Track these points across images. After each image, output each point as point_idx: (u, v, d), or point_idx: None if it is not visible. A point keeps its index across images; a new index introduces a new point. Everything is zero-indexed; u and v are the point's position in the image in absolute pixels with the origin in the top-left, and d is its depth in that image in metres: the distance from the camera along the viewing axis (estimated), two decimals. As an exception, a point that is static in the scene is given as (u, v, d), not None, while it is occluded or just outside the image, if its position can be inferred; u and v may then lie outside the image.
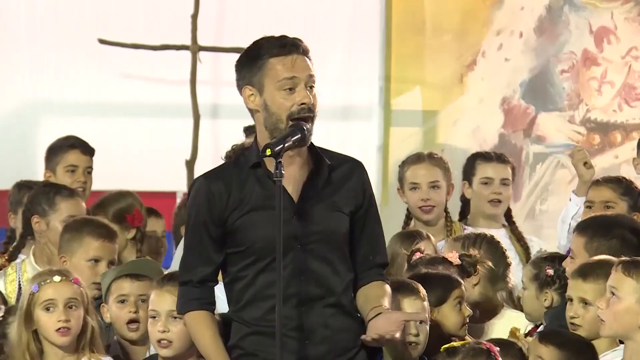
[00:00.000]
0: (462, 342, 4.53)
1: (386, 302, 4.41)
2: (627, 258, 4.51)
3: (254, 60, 4.40)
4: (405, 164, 6.57)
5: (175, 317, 4.63)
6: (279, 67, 4.35)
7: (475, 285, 5.42)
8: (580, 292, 4.66)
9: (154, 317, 4.69)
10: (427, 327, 4.65)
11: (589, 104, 8.45)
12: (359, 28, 8.76)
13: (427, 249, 5.49)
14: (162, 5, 8.97)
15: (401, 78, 8.71)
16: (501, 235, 6.08)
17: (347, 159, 4.55)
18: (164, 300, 4.67)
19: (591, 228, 5.05)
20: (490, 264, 5.48)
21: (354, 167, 4.55)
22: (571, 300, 4.71)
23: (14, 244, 6.11)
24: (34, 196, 6.04)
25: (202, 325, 4.42)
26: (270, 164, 4.24)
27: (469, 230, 6.33)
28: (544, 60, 8.56)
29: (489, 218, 6.37)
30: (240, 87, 4.42)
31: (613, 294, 4.34)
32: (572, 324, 4.68)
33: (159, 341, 4.68)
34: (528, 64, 8.59)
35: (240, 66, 4.43)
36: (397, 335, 4.25)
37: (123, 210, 6.32)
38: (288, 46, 4.37)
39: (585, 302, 4.63)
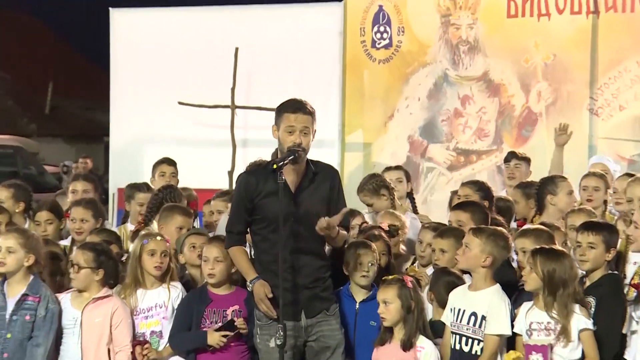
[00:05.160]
0: (393, 275, 4.46)
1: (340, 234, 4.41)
2: (477, 227, 4.49)
3: (279, 112, 4.37)
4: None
5: (219, 261, 4.62)
6: (285, 120, 4.31)
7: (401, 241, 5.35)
8: (440, 245, 4.71)
9: (205, 261, 4.65)
10: (375, 268, 4.56)
11: (458, 138, 8.34)
12: (328, 94, 8.56)
13: (359, 220, 5.37)
14: (214, 82, 8.86)
15: (351, 124, 8.66)
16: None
17: (327, 166, 4.54)
18: (211, 251, 4.64)
19: (470, 209, 5.01)
20: (407, 231, 5.41)
21: (330, 171, 4.52)
22: (434, 250, 4.77)
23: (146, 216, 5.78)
24: (168, 193, 5.80)
25: (240, 253, 4.45)
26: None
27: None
28: (432, 114, 8.43)
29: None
30: (274, 125, 4.42)
31: (467, 246, 4.31)
32: (436, 264, 4.73)
33: (208, 275, 4.63)
34: (423, 116, 8.46)
35: (275, 113, 4.41)
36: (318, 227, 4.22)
37: (191, 198, 6.15)
38: (295, 107, 4.33)
39: (443, 251, 4.68)
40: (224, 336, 4.47)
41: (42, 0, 29.65)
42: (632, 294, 4.01)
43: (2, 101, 24.85)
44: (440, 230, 4.86)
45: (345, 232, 4.50)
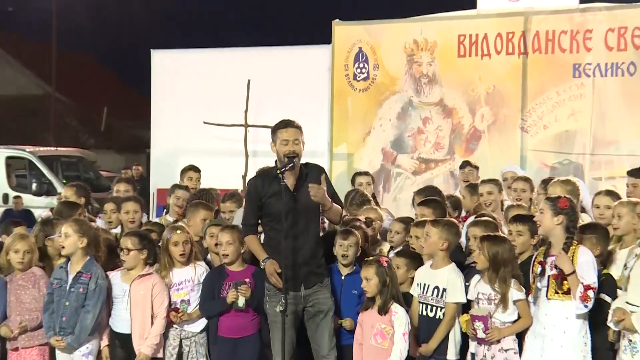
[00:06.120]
0: (372, 257, 4.35)
1: (333, 206, 4.25)
2: (434, 219, 4.48)
3: (274, 130, 4.29)
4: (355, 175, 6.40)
5: (230, 244, 4.54)
6: (280, 135, 4.24)
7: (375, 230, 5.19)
8: (415, 233, 4.65)
9: (220, 244, 4.58)
10: (354, 249, 4.49)
11: (420, 150, 8.24)
12: (320, 116, 8.47)
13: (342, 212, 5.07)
14: (231, 106, 8.80)
15: (337, 139, 8.58)
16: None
17: (315, 166, 4.42)
18: (224, 236, 4.56)
19: (431, 206, 4.93)
20: (381, 223, 5.25)
21: (317, 169, 4.39)
22: (411, 237, 4.72)
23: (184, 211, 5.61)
24: (204, 194, 5.75)
25: (254, 239, 4.39)
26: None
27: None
28: (400, 131, 8.33)
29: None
30: (272, 142, 4.34)
31: (427, 234, 4.31)
32: (412, 248, 4.66)
33: (223, 255, 4.58)
34: (393, 132, 8.36)
35: (271, 133, 4.32)
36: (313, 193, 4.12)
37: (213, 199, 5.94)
38: (285, 124, 4.27)
39: (417, 237, 4.60)
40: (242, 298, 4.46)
41: (99, 43, 29.62)
42: (537, 269, 3.92)
43: (69, 121, 24.85)
44: (416, 221, 4.80)
45: (338, 207, 4.36)
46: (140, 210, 5.54)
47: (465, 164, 6.93)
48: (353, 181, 6.35)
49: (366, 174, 6.48)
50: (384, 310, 4.11)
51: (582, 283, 3.71)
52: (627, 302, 3.81)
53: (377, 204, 6.12)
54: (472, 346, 4.12)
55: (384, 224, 5.29)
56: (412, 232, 4.70)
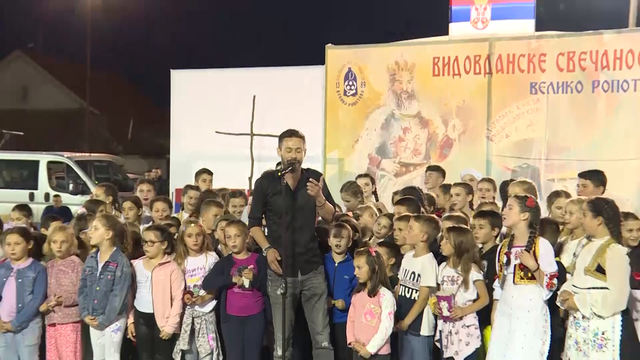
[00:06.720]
0: (363, 248, 4.33)
1: (326, 203, 4.20)
2: (416, 214, 4.48)
3: (281, 137, 4.26)
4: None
5: (237, 236, 4.48)
6: (285, 143, 4.23)
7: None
8: (398, 226, 4.59)
9: (229, 237, 4.52)
10: (346, 240, 4.47)
11: (401, 155, 8.11)
12: (315, 126, 8.20)
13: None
14: (239, 118, 8.73)
15: (330, 145, 8.44)
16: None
17: (314, 171, 4.39)
18: (232, 229, 4.52)
19: (406, 204, 4.88)
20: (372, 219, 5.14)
21: (316, 174, 4.32)
22: (394, 229, 4.66)
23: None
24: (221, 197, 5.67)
25: (259, 231, 4.36)
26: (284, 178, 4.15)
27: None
28: (384, 139, 8.18)
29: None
30: (278, 147, 4.31)
31: (410, 228, 4.30)
32: (396, 239, 4.61)
33: (232, 246, 4.52)
34: (378, 140, 8.21)
35: (278, 139, 4.29)
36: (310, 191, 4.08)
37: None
38: (291, 133, 4.24)
39: (400, 230, 4.56)
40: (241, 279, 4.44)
41: (127, 65, 29.62)
42: (503, 259, 3.94)
43: (101, 131, 24.83)
44: (400, 216, 4.75)
45: (331, 206, 4.30)
46: (168, 209, 5.51)
47: (427, 169, 6.87)
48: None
49: (366, 175, 6.46)
50: (373, 293, 4.12)
51: (546, 274, 3.76)
52: (572, 285, 3.86)
53: (377, 199, 6.21)
54: (440, 323, 4.14)
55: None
56: (395, 225, 4.67)
